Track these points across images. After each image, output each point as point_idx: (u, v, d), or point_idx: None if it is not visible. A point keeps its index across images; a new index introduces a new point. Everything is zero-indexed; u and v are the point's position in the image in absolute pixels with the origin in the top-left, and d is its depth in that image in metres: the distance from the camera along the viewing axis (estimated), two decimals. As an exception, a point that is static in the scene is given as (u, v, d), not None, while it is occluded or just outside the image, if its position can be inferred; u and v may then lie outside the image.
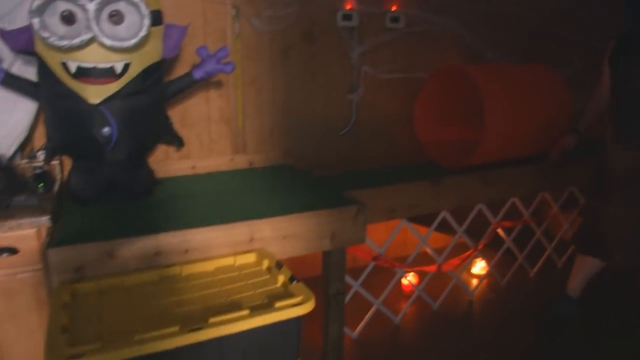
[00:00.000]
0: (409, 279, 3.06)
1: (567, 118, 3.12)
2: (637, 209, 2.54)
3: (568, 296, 2.91)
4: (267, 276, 1.83)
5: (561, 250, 3.60)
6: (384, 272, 2.88)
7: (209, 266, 1.90)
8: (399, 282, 3.08)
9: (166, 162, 2.79)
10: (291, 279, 1.74)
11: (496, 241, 3.24)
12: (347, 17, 3.07)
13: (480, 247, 3.07)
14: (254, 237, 2.03)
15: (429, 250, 2.94)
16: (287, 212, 2.11)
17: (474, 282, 3.38)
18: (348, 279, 2.55)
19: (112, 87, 2.10)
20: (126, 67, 2.10)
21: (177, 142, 2.64)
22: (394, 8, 3.23)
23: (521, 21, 3.75)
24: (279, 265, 1.85)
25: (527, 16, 3.76)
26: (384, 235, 2.81)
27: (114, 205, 2.24)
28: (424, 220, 2.88)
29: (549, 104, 3.06)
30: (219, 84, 2.88)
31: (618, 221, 2.60)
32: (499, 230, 3.18)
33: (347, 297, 2.57)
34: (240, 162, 2.99)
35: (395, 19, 3.22)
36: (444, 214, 2.84)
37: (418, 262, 2.95)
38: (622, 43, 2.58)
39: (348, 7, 3.08)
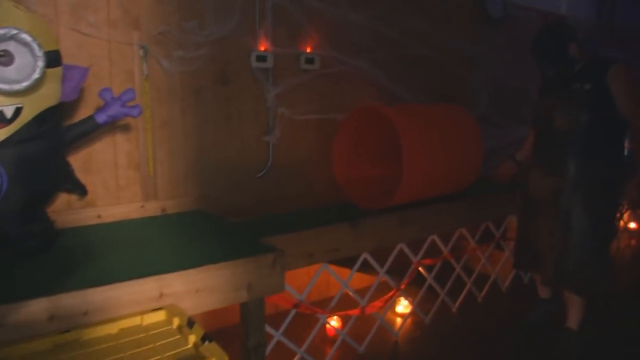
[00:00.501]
0: (333, 323, 2.97)
1: (479, 157, 3.22)
2: (555, 227, 2.71)
3: (542, 299, 3.16)
4: (178, 336, 1.68)
5: (481, 283, 3.67)
6: (306, 318, 2.77)
7: (113, 328, 1.72)
8: (323, 327, 2.99)
9: (68, 212, 2.57)
10: (203, 339, 1.60)
11: (418, 278, 3.24)
12: (261, 58, 3.03)
13: (402, 286, 3.05)
14: (164, 292, 1.88)
15: (351, 294, 2.87)
16: (200, 264, 1.98)
17: (399, 321, 3.35)
18: (269, 329, 2.42)
19: (1, 133, 1.91)
20: (17, 111, 1.92)
21: (79, 190, 2.45)
22: (308, 49, 3.23)
23: (434, 64, 3.90)
24: (190, 323, 1.71)
25: (439, 59, 3.92)
26: (306, 279, 2.73)
27: (4, 264, 2.01)
28: (345, 261, 2.83)
29: (463, 143, 3.15)
30: (127, 128, 2.73)
31: (540, 238, 2.81)
32: (421, 269, 3.19)
33: (269, 348, 2.45)
34: (152, 209, 2.82)
35: (310, 60, 3.22)
36: (364, 255, 2.80)
37: (341, 305, 2.87)
38: (543, 83, 2.89)
39: (262, 48, 3.05)
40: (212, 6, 2.86)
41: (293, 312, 2.60)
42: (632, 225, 5.69)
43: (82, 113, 2.49)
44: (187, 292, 1.93)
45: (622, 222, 5.52)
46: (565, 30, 2.65)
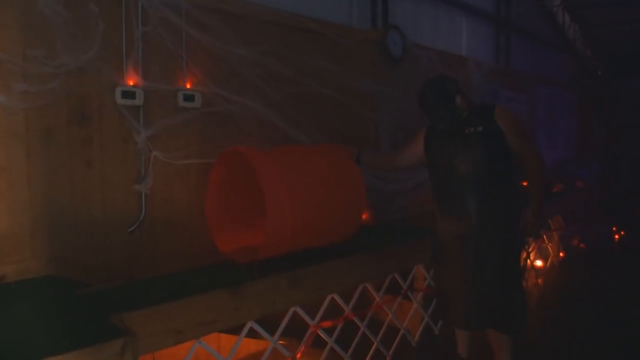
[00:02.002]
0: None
1: (362, 199, 2.97)
2: (470, 270, 2.67)
3: (461, 357, 3.00)
4: None
5: (390, 339, 3.35)
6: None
7: None
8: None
9: None
10: None
11: (321, 339, 2.85)
12: (128, 94, 2.60)
13: (298, 355, 2.65)
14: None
15: (236, 371, 2.43)
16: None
17: (299, 391, 2.92)
18: None
19: None
20: None
21: None
22: (188, 85, 2.85)
23: (332, 103, 3.64)
24: None
25: (338, 98, 3.66)
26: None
27: None
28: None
29: (342, 185, 2.88)
30: (-50, 177, 2.18)
31: (459, 284, 2.73)
32: (320, 332, 2.80)
33: None
34: (-16, 277, 2.26)
35: (189, 98, 2.83)
36: (250, 324, 2.37)
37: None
38: (430, 130, 2.88)
39: (130, 82, 2.63)
40: (65, 32, 2.41)
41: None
42: (539, 263, 5.69)
43: None
44: (-9, 402, 1.42)
45: (528, 261, 5.51)
46: (450, 85, 2.72)
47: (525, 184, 3.38)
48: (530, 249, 5.53)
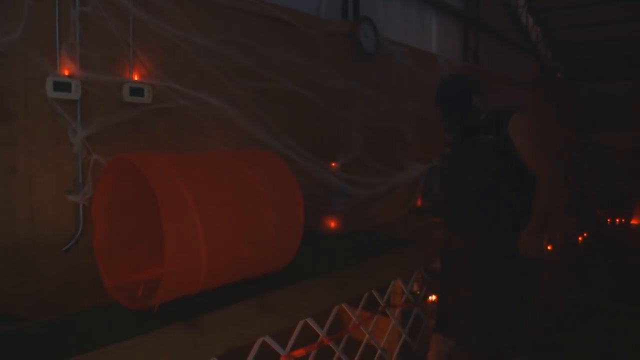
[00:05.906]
0: None
1: (299, 210, 2.32)
2: (465, 287, 2.52)
3: None
4: None
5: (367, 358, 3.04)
6: None
7: None
8: None
9: None
10: None
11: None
12: (62, 86, 2.18)
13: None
14: None
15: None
16: None
17: None
18: None
19: None
20: None
21: None
22: (136, 77, 2.44)
23: (301, 100, 3.27)
24: None
25: (307, 95, 3.30)
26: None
27: None
28: None
29: (272, 199, 2.21)
30: None
31: (453, 301, 2.61)
32: (291, 363, 2.45)
33: None
34: None
35: (137, 92, 2.43)
36: (212, 361, 1.99)
37: None
38: (447, 137, 2.79)
39: (65, 72, 2.20)
40: (-21, 8, 1.98)
41: None
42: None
43: None
44: None
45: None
46: (470, 83, 2.59)
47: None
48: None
